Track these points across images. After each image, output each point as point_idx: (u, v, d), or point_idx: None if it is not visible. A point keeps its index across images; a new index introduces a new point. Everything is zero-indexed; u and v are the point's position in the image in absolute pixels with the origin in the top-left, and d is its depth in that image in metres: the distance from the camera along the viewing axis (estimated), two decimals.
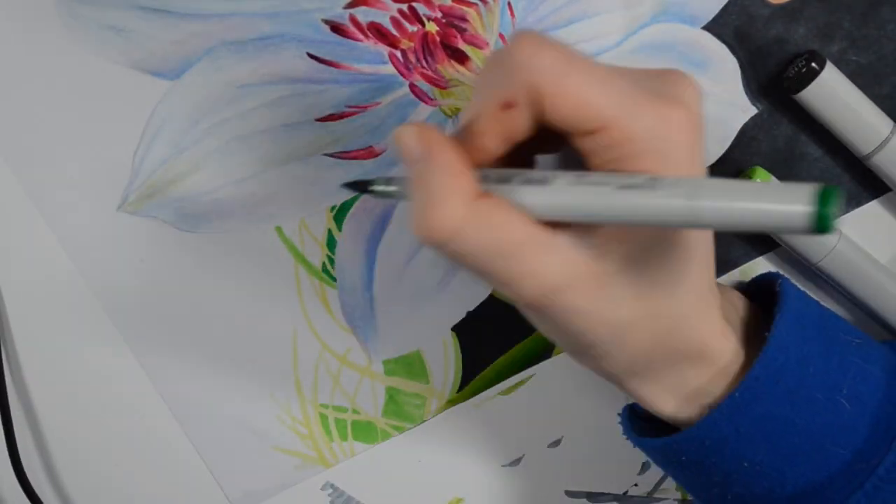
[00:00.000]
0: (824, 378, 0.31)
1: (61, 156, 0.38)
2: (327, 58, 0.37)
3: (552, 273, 0.27)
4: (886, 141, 0.35)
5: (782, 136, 0.37)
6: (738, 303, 0.34)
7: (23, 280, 0.39)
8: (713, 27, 0.36)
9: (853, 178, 0.37)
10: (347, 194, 0.37)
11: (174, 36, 0.37)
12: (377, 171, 0.37)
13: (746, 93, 0.36)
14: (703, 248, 0.30)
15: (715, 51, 0.37)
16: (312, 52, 0.37)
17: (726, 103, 0.37)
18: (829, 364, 0.31)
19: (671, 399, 0.31)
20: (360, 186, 0.31)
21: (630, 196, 0.25)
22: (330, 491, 0.40)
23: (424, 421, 0.39)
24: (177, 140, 0.38)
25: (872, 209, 0.38)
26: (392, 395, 0.39)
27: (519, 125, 0.27)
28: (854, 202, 0.38)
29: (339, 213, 0.38)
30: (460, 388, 0.39)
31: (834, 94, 0.35)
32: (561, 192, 0.26)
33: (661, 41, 0.37)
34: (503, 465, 0.40)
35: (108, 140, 0.38)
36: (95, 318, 0.39)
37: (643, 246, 0.28)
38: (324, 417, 0.39)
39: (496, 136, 0.28)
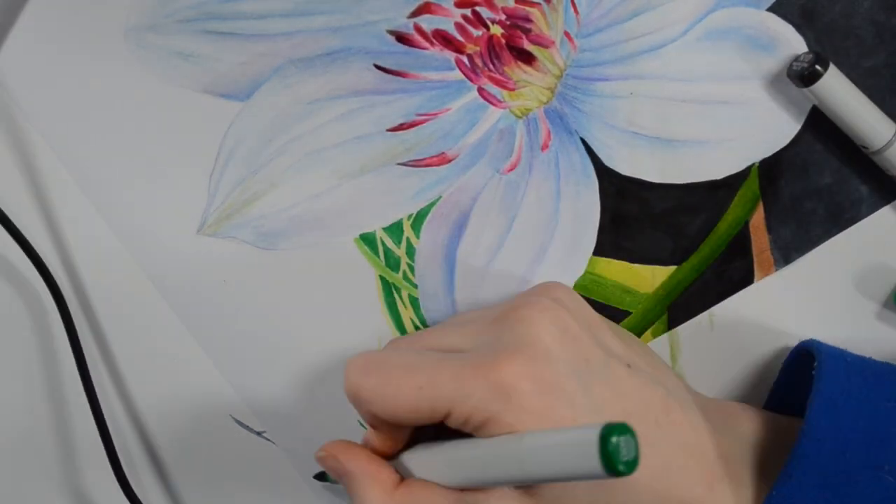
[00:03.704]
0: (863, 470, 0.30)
1: (138, 184, 0.38)
2: (395, 68, 0.37)
3: None
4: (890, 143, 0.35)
5: None
6: (746, 425, 0.33)
7: (107, 311, 0.40)
8: (778, 8, 0.36)
9: None
10: (423, 202, 0.38)
11: (241, 58, 0.37)
12: (451, 176, 0.38)
13: None
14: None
15: (781, 32, 0.36)
16: (380, 63, 0.37)
17: None
18: (868, 454, 0.30)
19: None
20: (321, 476, 0.39)
21: (482, 469, 0.28)
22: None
23: None
24: (251, 160, 0.38)
25: None
26: None
27: (395, 432, 0.32)
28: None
29: (417, 221, 0.38)
30: None
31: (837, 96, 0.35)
32: (441, 472, 0.30)
33: (727, 27, 0.36)
34: None
35: (183, 165, 0.38)
36: (181, 342, 0.39)
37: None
38: None
39: (387, 441, 0.32)
